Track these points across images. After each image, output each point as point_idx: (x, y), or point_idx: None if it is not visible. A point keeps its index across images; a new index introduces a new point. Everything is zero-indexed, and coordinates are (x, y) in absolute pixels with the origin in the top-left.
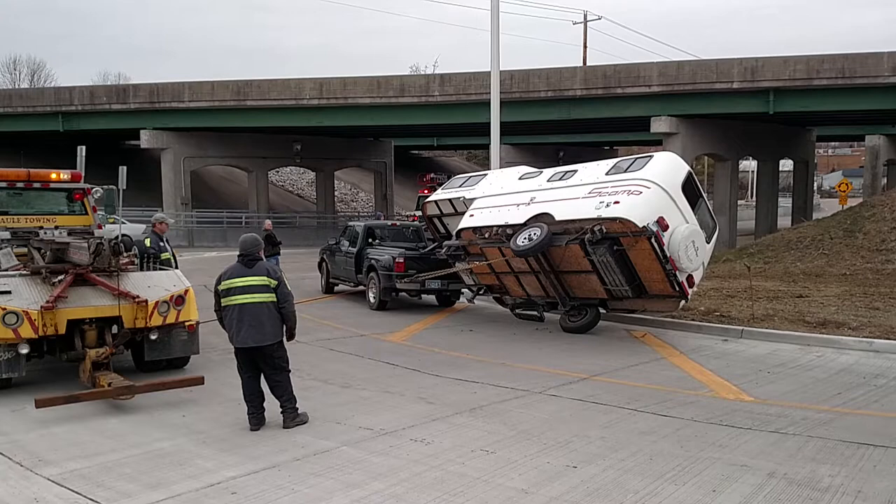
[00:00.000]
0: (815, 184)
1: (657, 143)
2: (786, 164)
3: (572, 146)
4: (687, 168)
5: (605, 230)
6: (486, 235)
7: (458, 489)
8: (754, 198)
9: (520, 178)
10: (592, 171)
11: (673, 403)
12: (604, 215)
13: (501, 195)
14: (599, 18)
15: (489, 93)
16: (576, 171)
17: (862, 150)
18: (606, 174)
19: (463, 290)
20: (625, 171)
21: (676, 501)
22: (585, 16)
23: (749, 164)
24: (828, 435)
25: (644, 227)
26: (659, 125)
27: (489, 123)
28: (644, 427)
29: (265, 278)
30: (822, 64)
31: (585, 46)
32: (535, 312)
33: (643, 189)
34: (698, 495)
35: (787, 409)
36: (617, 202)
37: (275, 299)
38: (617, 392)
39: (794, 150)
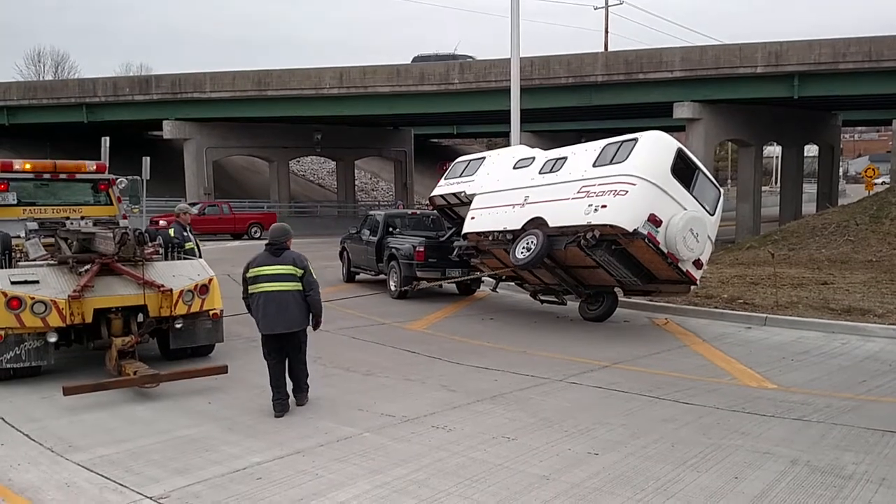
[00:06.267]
0: (841, 169)
1: (680, 128)
2: (811, 150)
3: (593, 132)
4: (675, 147)
5: (598, 234)
6: (490, 238)
7: (480, 475)
8: (779, 184)
9: (514, 168)
10: (581, 161)
11: (695, 391)
12: (594, 221)
13: (498, 192)
14: (621, 3)
15: (509, 80)
16: (566, 158)
17: (889, 134)
18: (594, 165)
19: (484, 277)
20: (610, 163)
21: (698, 488)
22: (607, 1)
23: (773, 150)
24: (852, 422)
25: (634, 230)
26: (682, 111)
27: (509, 111)
28: (666, 414)
29: (292, 267)
30: (849, 47)
31: (607, 32)
32: (556, 298)
33: (629, 187)
34: (720, 482)
35: (810, 396)
36: (604, 206)
37: (301, 288)
38: (639, 380)
39: (819, 136)
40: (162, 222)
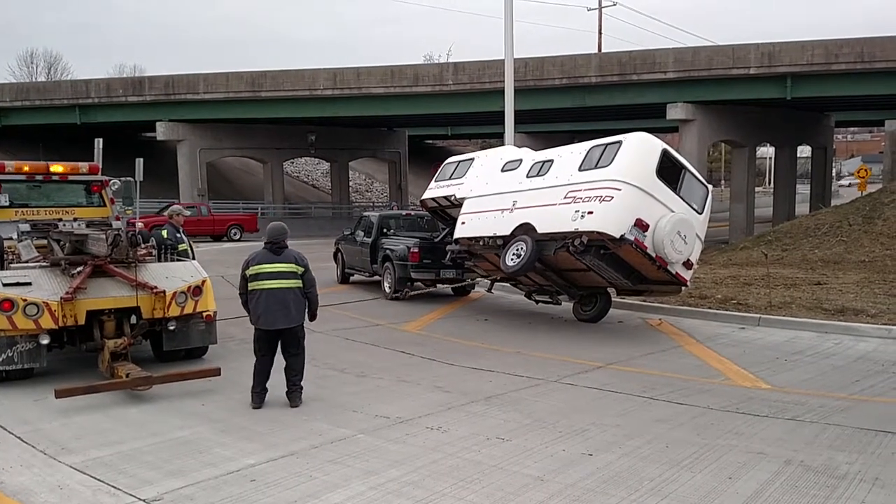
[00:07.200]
0: (834, 170)
1: (673, 129)
2: (804, 151)
3: (587, 133)
4: (660, 148)
5: (586, 240)
6: (481, 243)
7: (474, 476)
8: (772, 184)
9: (502, 170)
10: (567, 164)
11: (689, 391)
12: (581, 228)
13: (486, 196)
14: (614, 4)
15: (503, 81)
16: (552, 161)
17: (881, 135)
18: (580, 169)
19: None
20: (595, 167)
21: (692, 488)
22: (600, 2)
23: (767, 151)
24: (845, 422)
25: (621, 236)
26: (675, 112)
27: (503, 112)
28: (660, 415)
29: (293, 265)
30: (841, 48)
31: (600, 33)
32: (550, 299)
33: (614, 193)
34: (714, 482)
35: (804, 396)
36: (591, 212)
37: (301, 285)
38: (633, 380)
39: (812, 136)
40: (139, 224)
